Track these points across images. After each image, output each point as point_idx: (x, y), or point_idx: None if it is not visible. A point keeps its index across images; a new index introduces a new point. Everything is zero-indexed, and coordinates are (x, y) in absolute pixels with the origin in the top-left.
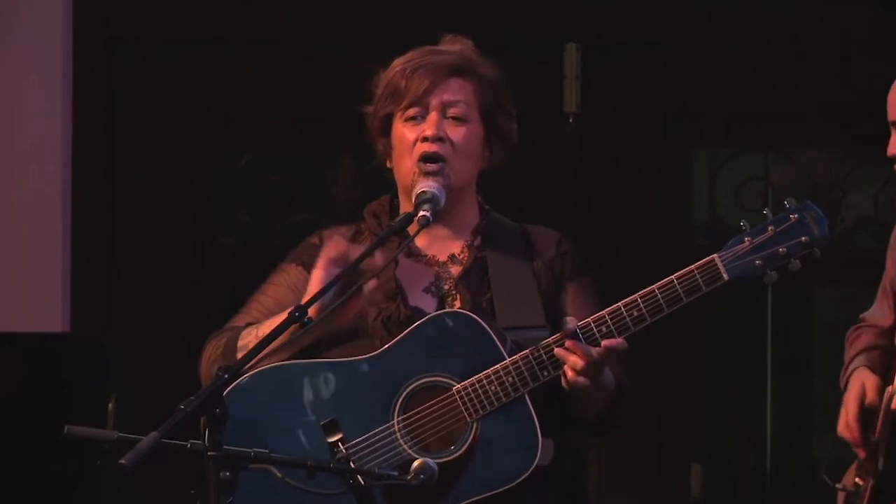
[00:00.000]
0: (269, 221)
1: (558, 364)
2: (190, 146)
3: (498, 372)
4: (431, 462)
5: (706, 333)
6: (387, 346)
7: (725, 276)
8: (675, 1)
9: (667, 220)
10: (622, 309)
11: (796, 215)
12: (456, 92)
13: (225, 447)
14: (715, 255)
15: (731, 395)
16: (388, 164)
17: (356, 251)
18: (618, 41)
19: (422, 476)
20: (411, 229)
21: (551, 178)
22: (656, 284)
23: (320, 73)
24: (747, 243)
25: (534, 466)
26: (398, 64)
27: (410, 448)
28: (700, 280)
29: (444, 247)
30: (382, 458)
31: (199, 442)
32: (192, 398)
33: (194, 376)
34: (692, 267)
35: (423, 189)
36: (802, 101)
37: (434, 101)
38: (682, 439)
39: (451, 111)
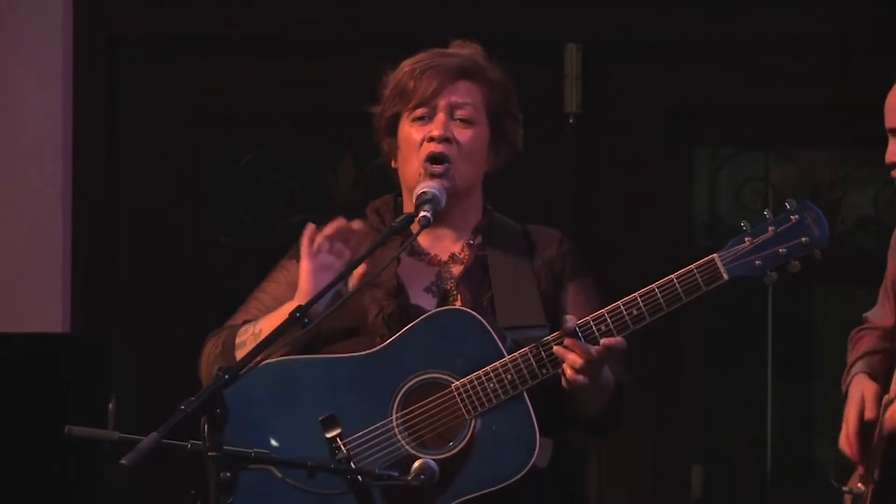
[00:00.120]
0: (269, 221)
1: (557, 362)
2: (190, 146)
3: (497, 369)
4: (432, 462)
5: (706, 333)
6: (386, 342)
7: (725, 276)
8: (675, 1)
9: (667, 220)
10: (622, 308)
11: (797, 216)
12: (464, 94)
13: (225, 447)
14: (715, 254)
15: (731, 396)
16: (392, 164)
17: (333, 227)
18: (618, 41)
19: (422, 477)
20: (412, 229)
21: (551, 178)
22: (656, 283)
23: (320, 73)
24: (747, 243)
25: (531, 463)
26: (407, 65)
27: (408, 444)
28: (700, 279)
29: (445, 246)
30: (380, 453)
31: (200, 442)
32: (192, 398)
33: (194, 376)
34: (692, 266)
35: (424, 189)
36: (802, 101)
37: (442, 103)
38: (682, 440)
39: (459, 113)
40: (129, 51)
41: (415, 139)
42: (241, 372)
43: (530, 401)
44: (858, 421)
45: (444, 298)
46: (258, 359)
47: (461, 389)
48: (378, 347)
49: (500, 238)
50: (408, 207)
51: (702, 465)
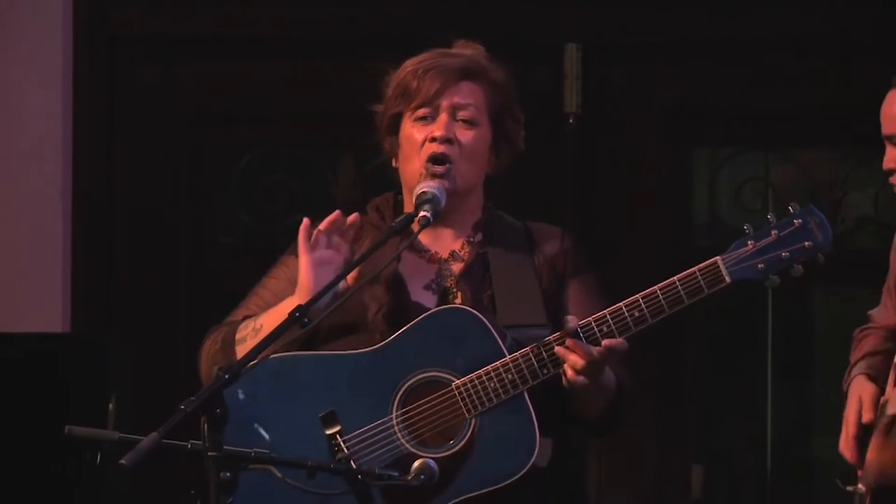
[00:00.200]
0: (269, 221)
1: (558, 362)
2: (190, 146)
3: (498, 369)
4: (432, 462)
5: (706, 334)
6: (387, 339)
7: (727, 279)
8: (675, 1)
9: (667, 220)
10: (623, 309)
11: (800, 220)
12: (467, 95)
13: (225, 447)
14: (718, 257)
15: (731, 396)
16: (393, 163)
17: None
18: (618, 41)
19: (422, 476)
20: (413, 229)
21: (551, 178)
22: (658, 285)
23: (320, 73)
24: (750, 246)
25: (531, 463)
26: (410, 64)
27: (408, 442)
28: (702, 282)
29: (446, 244)
30: (380, 451)
31: (200, 442)
32: (192, 398)
33: (194, 376)
34: (694, 269)
35: (424, 189)
36: (802, 101)
37: (444, 103)
38: (682, 440)
39: (461, 114)
40: (129, 51)
41: (416, 139)
42: (241, 372)
43: (530, 400)
44: (856, 424)
45: (443, 296)
46: (258, 358)
47: (462, 388)
48: (379, 345)
49: (501, 235)
50: (408, 207)
51: (702, 465)
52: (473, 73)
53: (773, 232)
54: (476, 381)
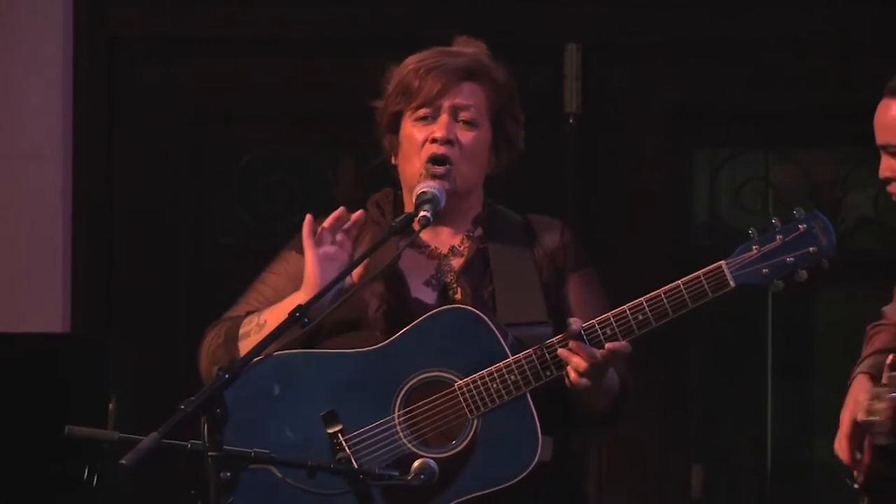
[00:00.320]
0: (269, 221)
1: (561, 364)
2: (190, 146)
3: (500, 370)
4: (432, 462)
5: (708, 334)
6: (390, 339)
7: (732, 284)
8: (675, 1)
9: (667, 220)
10: (627, 312)
11: (805, 225)
12: (468, 96)
13: (225, 447)
14: (722, 261)
15: (731, 397)
16: (392, 161)
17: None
18: (618, 41)
19: (422, 476)
20: (413, 227)
21: (551, 178)
22: (662, 289)
23: (320, 73)
24: (755, 251)
25: (533, 465)
26: (411, 62)
27: (410, 442)
28: (706, 286)
29: (445, 239)
30: (381, 451)
31: (200, 442)
32: (192, 398)
33: (194, 376)
34: (699, 273)
35: (424, 189)
36: (802, 101)
37: (446, 104)
38: (683, 440)
39: (462, 115)
40: (129, 51)
41: (417, 139)
42: (241, 371)
43: (532, 399)
44: (850, 424)
45: (444, 291)
46: (258, 358)
47: (464, 389)
48: (381, 344)
49: (501, 229)
50: (407, 205)
51: (702, 466)
52: (475, 73)
53: (778, 237)
54: (479, 382)
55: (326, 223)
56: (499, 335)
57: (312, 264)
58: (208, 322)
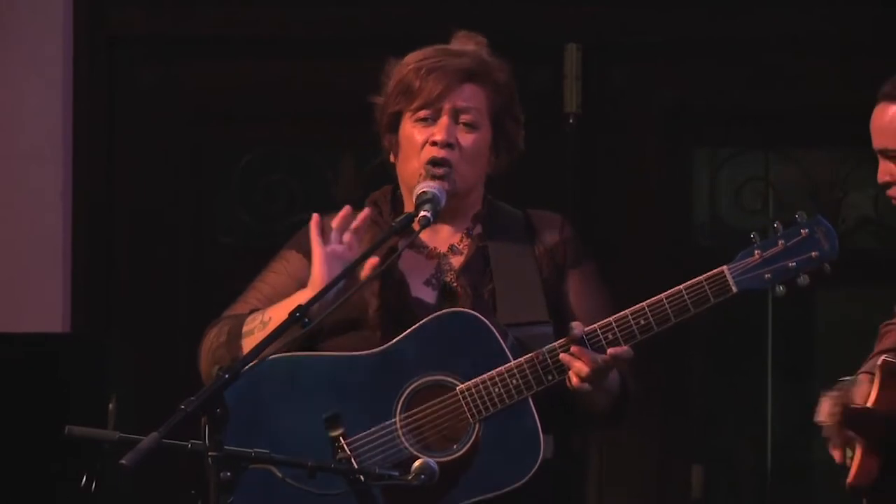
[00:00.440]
0: (269, 221)
1: (563, 369)
2: (190, 146)
3: (502, 374)
4: (432, 462)
5: (707, 334)
6: (391, 342)
7: (734, 289)
8: (675, 1)
9: (667, 220)
10: (629, 317)
11: (807, 229)
12: (469, 98)
13: (226, 447)
14: (724, 266)
15: (731, 397)
16: (391, 159)
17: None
18: (618, 41)
19: (422, 476)
20: (413, 228)
21: (551, 178)
22: (664, 294)
23: (320, 73)
24: (757, 256)
25: (534, 471)
26: (412, 61)
27: (412, 446)
28: (709, 291)
29: (444, 238)
30: (383, 454)
31: (200, 442)
32: (192, 398)
33: (194, 376)
34: (701, 278)
35: (424, 189)
36: (802, 101)
37: (447, 106)
38: (683, 440)
39: (463, 117)
40: (129, 51)
41: (417, 140)
42: (241, 371)
43: (533, 399)
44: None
45: (444, 290)
46: (258, 358)
47: (466, 393)
48: (382, 348)
49: (501, 227)
50: (407, 205)
51: (702, 466)
52: (477, 74)
53: (780, 241)
54: (480, 386)
55: (335, 223)
56: (499, 338)
57: (320, 263)
58: (208, 322)
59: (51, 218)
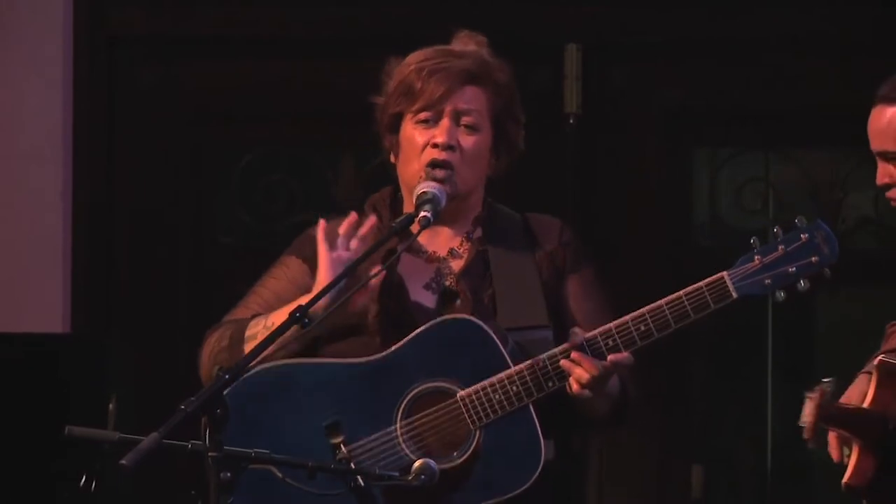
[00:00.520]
0: (269, 221)
1: (564, 375)
2: (190, 146)
3: (503, 380)
4: (432, 462)
5: (707, 334)
6: (391, 349)
7: (734, 295)
8: (675, 1)
9: (667, 220)
10: (629, 323)
11: (807, 234)
12: (470, 100)
13: (226, 448)
14: (724, 272)
15: (731, 397)
16: (391, 160)
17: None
18: (618, 41)
19: (422, 477)
20: (412, 229)
21: (551, 178)
22: (664, 300)
23: (320, 73)
24: (757, 262)
25: (535, 477)
26: (413, 62)
27: (412, 453)
28: (709, 297)
29: (444, 242)
30: (384, 461)
31: (200, 442)
32: (192, 398)
33: (194, 376)
34: (701, 284)
35: (425, 190)
36: (802, 101)
37: (448, 108)
38: (683, 440)
39: (465, 119)
40: (129, 51)
41: (418, 142)
42: (242, 371)
43: (534, 403)
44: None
45: (444, 295)
46: (259, 359)
47: (466, 399)
48: (383, 354)
49: (501, 230)
50: (407, 205)
51: (702, 466)
52: (478, 76)
53: (780, 247)
54: (481, 393)
55: (342, 229)
56: (499, 344)
57: (326, 269)
58: (208, 322)
59: (51, 218)
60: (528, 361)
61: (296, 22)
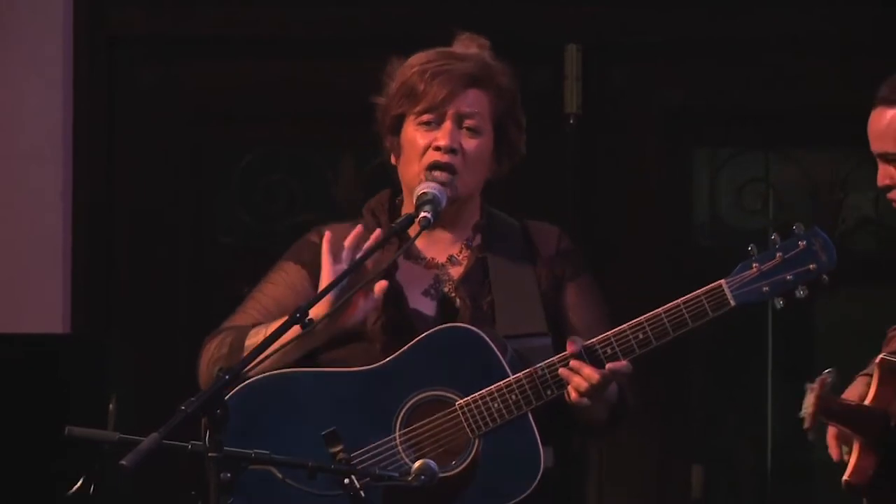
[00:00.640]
0: (269, 221)
1: (562, 384)
2: (190, 146)
3: (501, 389)
4: (432, 462)
5: (707, 335)
6: (390, 358)
7: (732, 303)
8: (675, 1)
9: (667, 220)
10: (628, 331)
11: (805, 242)
12: (473, 103)
13: (225, 448)
14: (722, 280)
15: (731, 397)
16: (392, 161)
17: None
18: (618, 41)
19: (422, 477)
20: (412, 230)
21: (551, 178)
22: (662, 308)
23: (320, 73)
24: (755, 269)
25: (535, 485)
26: (416, 64)
27: (412, 461)
28: (707, 305)
29: (443, 249)
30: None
31: (200, 443)
32: (192, 399)
33: (194, 376)
34: (699, 292)
35: (425, 190)
36: (802, 101)
37: (451, 111)
38: (683, 440)
39: (467, 122)
40: (129, 51)
41: (419, 144)
42: (241, 373)
43: (532, 411)
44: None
45: (443, 302)
46: (259, 368)
47: (465, 408)
48: (382, 363)
49: (500, 238)
50: (407, 206)
51: (702, 466)
52: (480, 79)
53: (778, 254)
54: (480, 401)
55: (347, 241)
56: (498, 353)
57: (329, 278)
58: (208, 322)
59: (51, 218)
60: (527, 370)
61: (296, 22)
